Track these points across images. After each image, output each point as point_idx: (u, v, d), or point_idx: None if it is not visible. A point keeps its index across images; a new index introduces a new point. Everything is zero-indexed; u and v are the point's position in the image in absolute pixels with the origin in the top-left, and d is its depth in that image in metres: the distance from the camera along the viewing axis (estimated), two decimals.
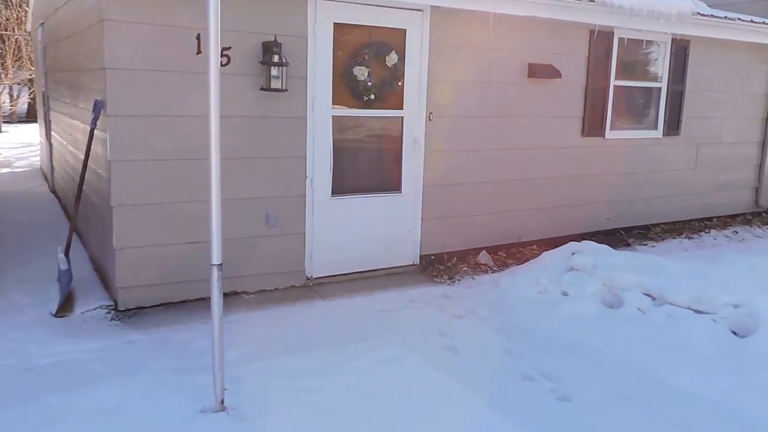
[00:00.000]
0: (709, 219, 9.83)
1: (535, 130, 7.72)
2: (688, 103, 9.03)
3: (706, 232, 9.22)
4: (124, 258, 5.56)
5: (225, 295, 3.89)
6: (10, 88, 24.93)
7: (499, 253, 7.67)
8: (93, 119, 5.66)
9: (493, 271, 7.13)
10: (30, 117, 24.28)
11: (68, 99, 7.97)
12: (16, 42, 22.88)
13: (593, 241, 8.46)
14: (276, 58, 5.73)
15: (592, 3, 7.11)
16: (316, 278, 6.52)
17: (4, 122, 23.57)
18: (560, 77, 7.53)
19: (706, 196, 9.70)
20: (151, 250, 5.64)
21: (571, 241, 8.31)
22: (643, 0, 7.26)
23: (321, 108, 6.25)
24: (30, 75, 21.40)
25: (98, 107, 5.56)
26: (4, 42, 22.90)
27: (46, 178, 11.84)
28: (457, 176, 7.22)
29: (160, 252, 5.68)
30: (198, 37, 5.51)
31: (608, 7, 7.14)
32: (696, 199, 9.59)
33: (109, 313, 5.64)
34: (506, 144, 7.51)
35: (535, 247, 7.96)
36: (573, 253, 6.45)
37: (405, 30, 6.62)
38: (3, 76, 22.68)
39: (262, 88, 5.82)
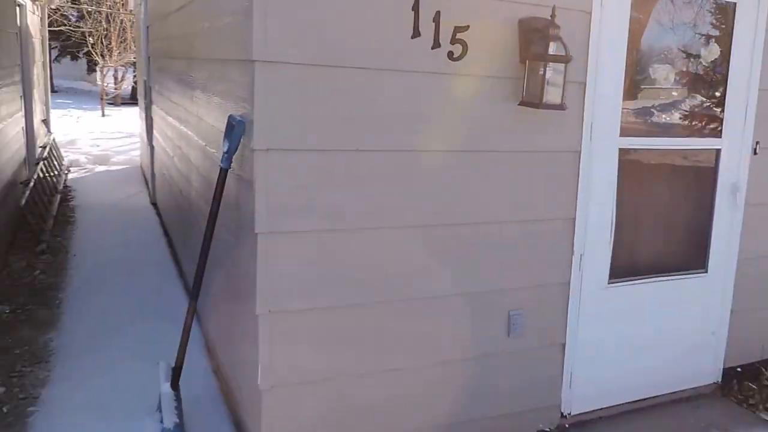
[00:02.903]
0: None
1: None
2: None
3: None
4: (276, 405, 3.07)
5: None
6: (115, 70, 23.61)
7: None
8: (226, 153, 3.11)
9: None
10: (134, 99, 22.74)
11: (177, 98, 5.61)
12: (122, 23, 21.28)
13: None
14: (555, 48, 3.13)
15: None
16: (576, 415, 3.90)
17: (109, 104, 22.82)
18: None
19: None
20: (333, 385, 3.17)
21: None
22: None
23: (603, 136, 3.59)
24: (133, 58, 19.72)
25: (236, 131, 3.01)
26: (109, 22, 21.32)
27: (146, 183, 9.76)
28: None
29: (348, 386, 3.20)
30: (415, 7, 2.99)
31: None
32: None
33: None
34: None
35: None
36: None
37: (735, 4, 3.90)
38: (108, 58, 21.24)
39: (522, 102, 3.24)
